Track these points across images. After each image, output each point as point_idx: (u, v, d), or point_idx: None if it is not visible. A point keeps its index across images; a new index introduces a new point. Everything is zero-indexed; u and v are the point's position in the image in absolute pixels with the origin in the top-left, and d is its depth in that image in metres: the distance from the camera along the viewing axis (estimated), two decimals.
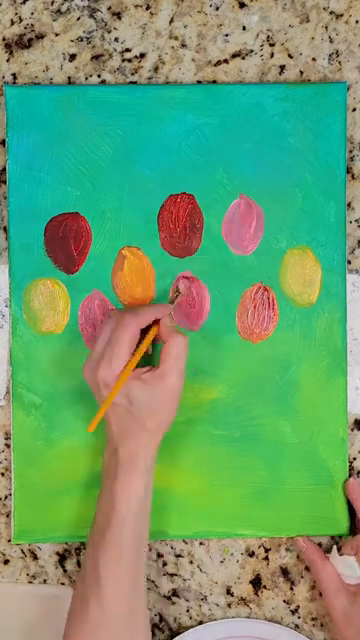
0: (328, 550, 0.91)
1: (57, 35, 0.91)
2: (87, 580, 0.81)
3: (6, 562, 0.92)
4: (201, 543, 0.92)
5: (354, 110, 0.92)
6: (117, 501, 0.81)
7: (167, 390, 0.82)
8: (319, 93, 0.90)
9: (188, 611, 0.93)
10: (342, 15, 0.92)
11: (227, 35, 0.91)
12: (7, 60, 0.91)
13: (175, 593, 0.92)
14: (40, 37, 0.91)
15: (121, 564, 0.80)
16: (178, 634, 0.92)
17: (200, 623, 0.92)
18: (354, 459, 0.92)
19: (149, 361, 0.88)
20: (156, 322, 0.85)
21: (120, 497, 0.81)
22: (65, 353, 0.91)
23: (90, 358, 0.83)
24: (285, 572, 0.93)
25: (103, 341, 0.82)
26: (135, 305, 0.87)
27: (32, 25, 0.91)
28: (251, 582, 0.93)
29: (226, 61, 0.92)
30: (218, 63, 0.92)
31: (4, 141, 0.91)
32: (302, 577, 0.93)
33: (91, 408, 0.90)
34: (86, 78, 0.92)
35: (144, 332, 0.84)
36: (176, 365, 0.82)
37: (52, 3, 0.91)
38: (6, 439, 0.92)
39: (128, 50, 0.91)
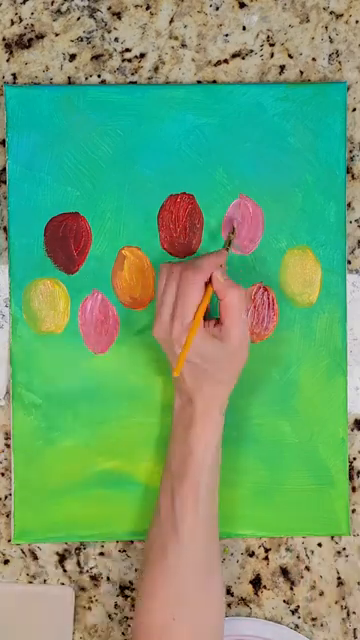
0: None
1: (57, 35, 0.91)
2: (164, 529, 0.83)
3: (6, 562, 0.92)
4: None
5: (354, 110, 0.92)
6: (195, 448, 0.82)
7: (235, 343, 0.82)
8: (319, 93, 0.90)
9: None
10: (342, 15, 0.92)
11: (227, 35, 0.91)
12: (7, 60, 0.91)
13: None
14: (40, 37, 0.91)
15: (198, 510, 0.82)
16: None
17: None
18: (354, 459, 0.92)
19: (211, 312, 0.87)
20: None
21: (198, 444, 0.82)
22: (65, 353, 0.91)
23: (160, 318, 0.83)
24: (285, 572, 0.93)
25: (170, 298, 0.82)
26: (185, 263, 0.85)
27: (32, 25, 0.91)
28: (251, 582, 0.93)
29: (226, 61, 0.92)
30: (218, 63, 0.92)
31: (4, 141, 0.91)
32: (302, 577, 0.93)
33: (91, 408, 0.90)
34: (86, 78, 0.92)
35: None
36: (237, 318, 0.82)
37: (52, 3, 0.91)
38: (6, 439, 0.92)
39: (128, 50, 0.91)
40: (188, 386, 0.83)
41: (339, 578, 0.93)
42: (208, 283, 0.83)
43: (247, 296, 0.84)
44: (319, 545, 0.92)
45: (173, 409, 0.85)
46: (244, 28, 0.92)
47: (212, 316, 0.85)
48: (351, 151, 0.92)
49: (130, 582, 0.92)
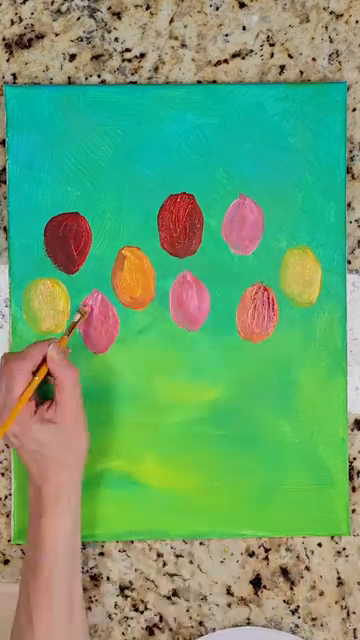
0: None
1: (57, 35, 0.91)
2: (21, 621, 0.81)
3: (6, 562, 0.92)
4: (201, 543, 0.92)
5: (354, 110, 0.92)
6: (45, 540, 0.81)
7: (70, 424, 0.82)
8: (319, 93, 0.90)
9: (188, 611, 0.93)
10: (342, 15, 0.92)
11: (227, 35, 0.91)
12: (7, 60, 0.91)
13: (175, 593, 0.93)
14: (40, 37, 0.91)
15: (52, 607, 0.80)
16: (178, 634, 0.92)
17: (200, 623, 0.92)
18: (354, 459, 0.92)
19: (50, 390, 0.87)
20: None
21: (47, 536, 0.81)
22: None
23: None
24: (285, 572, 0.93)
25: (2, 390, 0.82)
26: (13, 354, 0.85)
27: (32, 25, 0.91)
28: (251, 582, 0.93)
29: (226, 61, 0.92)
30: (218, 63, 0.92)
31: (4, 141, 0.91)
32: (302, 577, 0.93)
33: (91, 408, 0.90)
34: (86, 78, 0.92)
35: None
36: (72, 398, 0.83)
37: (52, 3, 0.91)
38: None
39: (128, 50, 0.91)
40: (34, 474, 0.82)
41: (339, 578, 0.93)
42: (42, 364, 0.83)
43: (77, 378, 0.83)
44: (319, 545, 0.92)
45: (28, 498, 0.84)
46: (244, 28, 0.92)
47: (47, 398, 0.85)
48: (351, 151, 0.92)
49: (130, 582, 0.92)
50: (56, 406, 0.82)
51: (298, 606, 0.93)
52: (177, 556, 0.92)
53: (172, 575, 0.93)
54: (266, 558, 0.93)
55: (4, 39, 0.91)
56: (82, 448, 0.84)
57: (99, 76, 0.92)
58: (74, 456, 0.83)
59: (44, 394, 0.86)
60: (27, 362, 0.82)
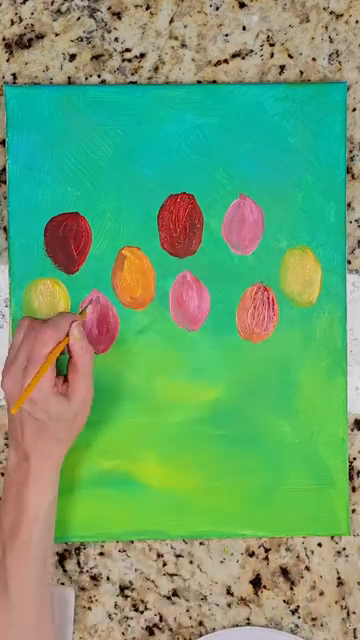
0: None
1: (57, 35, 0.91)
2: None
3: None
4: (201, 543, 0.92)
5: (354, 110, 0.92)
6: (29, 508, 0.82)
7: (79, 405, 0.83)
8: (319, 93, 0.90)
9: (188, 611, 0.93)
10: (342, 15, 0.92)
11: (227, 35, 0.91)
12: (7, 60, 0.91)
13: (175, 593, 0.93)
14: (40, 37, 0.91)
15: (29, 568, 0.82)
16: (178, 634, 0.92)
17: (200, 623, 0.92)
18: (354, 459, 0.92)
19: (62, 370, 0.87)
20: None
21: (32, 504, 0.82)
22: (65, 353, 0.90)
23: (10, 371, 0.82)
24: (285, 572, 0.93)
25: (24, 354, 0.82)
26: (44, 320, 0.85)
27: (32, 25, 0.91)
28: (251, 582, 0.93)
29: (226, 61, 0.92)
30: (218, 63, 0.92)
31: (4, 141, 0.91)
32: (302, 577, 0.93)
33: (91, 408, 0.90)
34: (86, 78, 0.92)
35: None
36: (85, 380, 0.83)
37: (52, 3, 0.91)
38: (6, 439, 0.92)
39: (128, 50, 0.91)
40: (27, 442, 0.83)
41: (339, 578, 0.93)
42: (61, 343, 0.83)
43: (91, 361, 0.84)
44: (319, 545, 0.92)
45: (7, 465, 0.84)
46: (244, 28, 0.92)
47: (62, 374, 0.85)
48: (351, 151, 0.92)
49: (130, 582, 0.92)
50: (69, 383, 0.83)
51: (298, 606, 0.93)
52: (177, 556, 0.92)
53: (172, 575, 0.93)
54: (266, 558, 0.93)
55: (4, 39, 0.91)
56: (80, 428, 0.85)
57: (99, 76, 0.92)
58: (71, 433, 0.84)
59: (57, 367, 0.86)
60: (58, 333, 0.82)
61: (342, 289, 0.91)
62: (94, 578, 0.92)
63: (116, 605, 0.92)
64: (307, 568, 0.93)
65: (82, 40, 0.91)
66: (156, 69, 0.91)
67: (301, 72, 0.92)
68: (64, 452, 0.84)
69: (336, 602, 0.93)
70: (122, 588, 0.92)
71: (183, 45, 0.91)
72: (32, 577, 0.82)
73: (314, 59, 0.92)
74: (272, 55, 0.92)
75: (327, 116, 0.90)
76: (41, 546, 0.82)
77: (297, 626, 0.93)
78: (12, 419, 0.84)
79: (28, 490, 0.82)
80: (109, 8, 0.91)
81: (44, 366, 0.81)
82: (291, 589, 0.93)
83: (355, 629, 0.93)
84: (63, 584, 0.92)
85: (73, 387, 0.83)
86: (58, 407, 0.82)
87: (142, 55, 0.92)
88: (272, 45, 0.92)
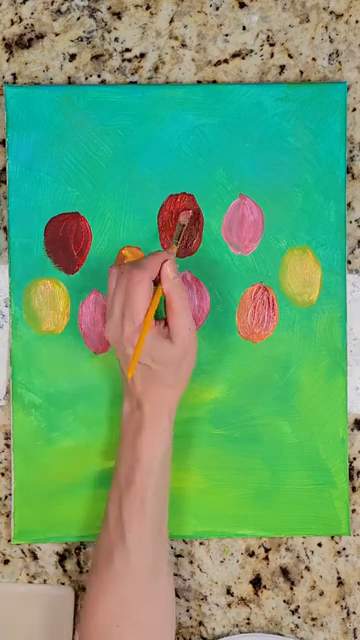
0: None
1: (57, 35, 0.91)
2: (111, 535, 0.82)
3: (6, 562, 0.92)
4: (201, 543, 0.92)
5: (354, 110, 0.92)
6: (143, 455, 0.82)
7: (183, 345, 0.82)
8: (319, 93, 0.90)
9: (188, 611, 0.93)
10: (342, 15, 0.92)
11: (227, 35, 0.91)
12: (7, 60, 0.91)
13: (175, 593, 0.92)
14: (40, 37, 0.91)
15: (145, 516, 0.82)
16: (178, 634, 0.92)
17: (200, 623, 0.92)
18: (354, 459, 0.92)
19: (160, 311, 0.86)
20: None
21: (146, 451, 0.82)
22: (65, 353, 0.91)
23: (111, 318, 0.82)
24: (285, 572, 0.93)
25: (120, 299, 0.82)
26: (132, 262, 0.84)
27: (32, 25, 0.91)
28: (251, 582, 0.93)
29: (226, 61, 0.92)
30: (218, 63, 0.92)
31: (4, 141, 0.91)
32: (302, 577, 0.93)
33: (91, 408, 0.90)
34: (86, 78, 0.92)
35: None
36: (184, 318, 0.82)
37: (52, 3, 0.91)
38: (6, 439, 0.92)
39: (128, 50, 0.91)
40: (138, 390, 0.83)
41: (339, 578, 0.93)
42: (159, 282, 0.82)
43: (188, 299, 0.83)
44: (319, 545, 0.92)
45: (122, 414, 0.85)
46: (244, 28, 0.92)
47: (161, 316, 0.85)
48: (351, 151, 0.92)
49: None
50: (169, 326, 0.82)
51: (298, 606, 0.93)
52: (177, 556, 0.92)
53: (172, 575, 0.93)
54: (266, 558, 0.93)
55: (4, 39, 0.91)
56: (188, 371, 0.84)
57: (99, 76, 0.92)
58: (180, 377, 0.83)
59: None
60: (148, 272, 0.81)
61: (342, 289, 0.91)
62: None
63: None
64: (307, 568, 0.93)
65: (82, 40, 0.91)
66: (156, 69, 0.91)
67: (301, 72, 0.92)
68: (176, 398, 0.83)
69: (336, 602, 0.93)
70: None
71: (183, 45, 0.91)
72: (148, 527, 0.82)
73: (314, 59, 0.92)
74: (272, 55, 0.92)
75: (327, 116, 0.90)
76: (157, 494, 0.82)
77: (297, 626, 0.93)
78: (122, 367, 0.83)
79: (141, 437, 0.82)
80: (109, 8, 0.91)
81: (147, 320, 0.80)
82: (291, 589, 0.93)
83: (355, 629, 0.93)
84: (63, 584, 0.92)
85: (173, 328, 0.81)
86: (162, 351, 0.81)
87: (142, 55, 0.92)
88: (272, 45, 0.92)
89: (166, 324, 0.83)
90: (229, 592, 0.93)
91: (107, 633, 0.81)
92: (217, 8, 0.91)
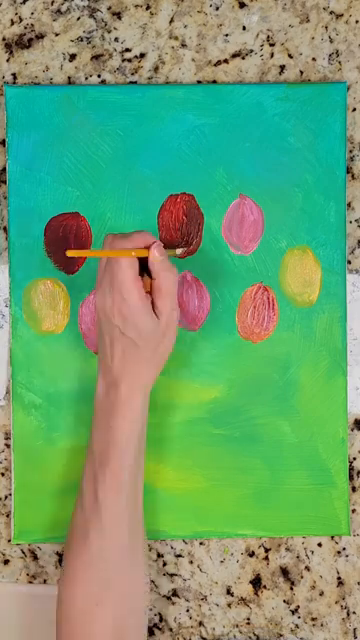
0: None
1: (57, 35, 0.91)
2: (86, 512, 0.82)
3: (6, 562, 0.92)
4: (201, 543, 0.92)
5: (354, 110, 0.92)
6: (118, 433, 0.82)
7: (165, 322, 0.82)
8: (319, 93, 0.90)
9: (188, 611, 0.93)
10: (342, 15, 0.92)
11: (227, 35, 0.91)
12: (7, 60, 0.91)
13: (175, 593, 0.93)
14: (40, 37, 0.91)
15: (121, 494, 0.82)
16: (178, 634, 0.92)
17: (200, 623, 0.92)
18: (354, 459, 0.92)
19: None
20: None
21: (121, 429, 0.82)
22: (65, 353, 0.91)
23: (100, 288, 0.82)
24: (285, 572, 0.93)
25: (109, 268, 0.82)
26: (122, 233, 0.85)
27: (32, 25, 0.91)
28: (251, 582, 0.93)
29: (226, 61, 0.92)
30: (218, 63, 0.92)
31: (4, 141, 0.91)
32: (302, 577, 0.93)
33: (91, 408, 0.90)
34: (86, 78, 0.92)
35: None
36: (168, 299, 0.82)
37: (52, 3, 0.91)
38: (6, 439, 0.92)
39: (128, 50, 0.91)
40: (116, 369, 0.82)
41: (339, 578, 0.93)
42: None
43: (175, 282, 0.83)
44: (319, 545, 0.92)
45: (95, 395, 0.84)
46: (244, 28, 0.92)
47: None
48: (351, 151, 0.92)
49: None
50: (154, 304, 0.82)
51: (298, 606, 0.93)
52: (177, 556, 0.92)
53: (172, 575, 0.93)
54: (266, 558, 0.93)
55: (4, 39, 0.91)
56: (167, 352, 0.84)
57: (99, 76, 0.92)
58: (157, 355, 0.83)
59: None
60: (130, 243, 0.82)
61: (342, 289, 0.91)
62: None
63: None
64: (307, 568, 0.93)
65: (82, 40, 0.91)
66: (156, 69, 0.92)
67: (301, 72, 0.92)
68: (152, 377, 0.84)
69: (336, 602, 0.93)
70: None
71: (183, 45, 0.91)
72: (124, 504, 0.82)
73: (314, 59, 0.92)
74: (272, 55, 0.92)
75: (327, 116, 0.90)
76: (133, 472, 0.83)
77: (297, 626, 0.93)
78: (102, 343, 0.83)
79: (117, 417, 0.82)
80: (109, 8, 0.91)
81: (125, 251, 0.80)
82: (291, 589, 0.93)
83: (355, 629, 0.93)
84: None
85: (158, 306, 0.82)
86: (147, 323, 0.81)
87: (142, 55, 0.92)
88: (272, 45, 0.92)
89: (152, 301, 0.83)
90: (229, 592, 0.93)
91: (88, 613, 0.81)
92: (217, 8, 0.91)
